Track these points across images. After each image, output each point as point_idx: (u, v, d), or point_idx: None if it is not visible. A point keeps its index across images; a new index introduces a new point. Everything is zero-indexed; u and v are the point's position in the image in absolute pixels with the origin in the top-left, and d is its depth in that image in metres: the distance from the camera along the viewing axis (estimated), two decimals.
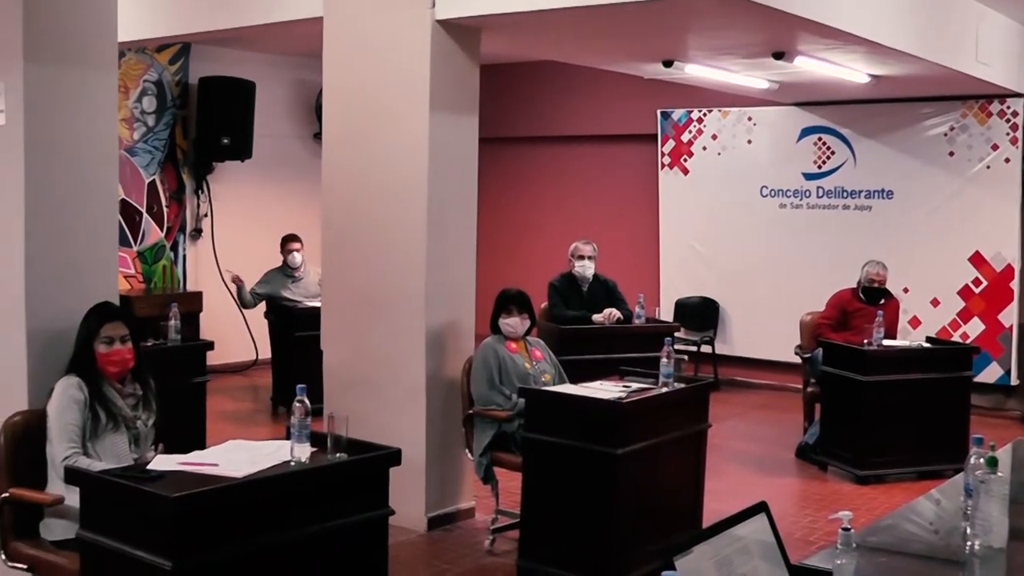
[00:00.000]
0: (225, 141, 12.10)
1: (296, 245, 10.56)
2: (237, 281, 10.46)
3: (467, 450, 6.72)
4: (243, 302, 10.61)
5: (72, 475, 4.24)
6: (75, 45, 5.15)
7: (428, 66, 6.85)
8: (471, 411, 6.63)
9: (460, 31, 7.00)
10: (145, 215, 11.96)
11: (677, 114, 12.74)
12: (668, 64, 9.30)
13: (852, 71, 9.44)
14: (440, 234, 6.97)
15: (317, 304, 9.16)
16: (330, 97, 7.44)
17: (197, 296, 11.81)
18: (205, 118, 12.15)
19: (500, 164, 13.28)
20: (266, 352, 11.45)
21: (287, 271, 10.59)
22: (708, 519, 6.29)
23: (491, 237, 11.46)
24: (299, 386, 4.27)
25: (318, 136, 12.76)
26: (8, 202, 5.06)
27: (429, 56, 6.84)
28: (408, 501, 6.17)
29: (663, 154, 12.87)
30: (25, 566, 4.70)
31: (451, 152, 7.05)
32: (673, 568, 2.48)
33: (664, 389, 6.10)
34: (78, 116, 5.19)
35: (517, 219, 14.09)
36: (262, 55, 12.73)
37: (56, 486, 4.63)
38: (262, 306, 10.70)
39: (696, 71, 9.66)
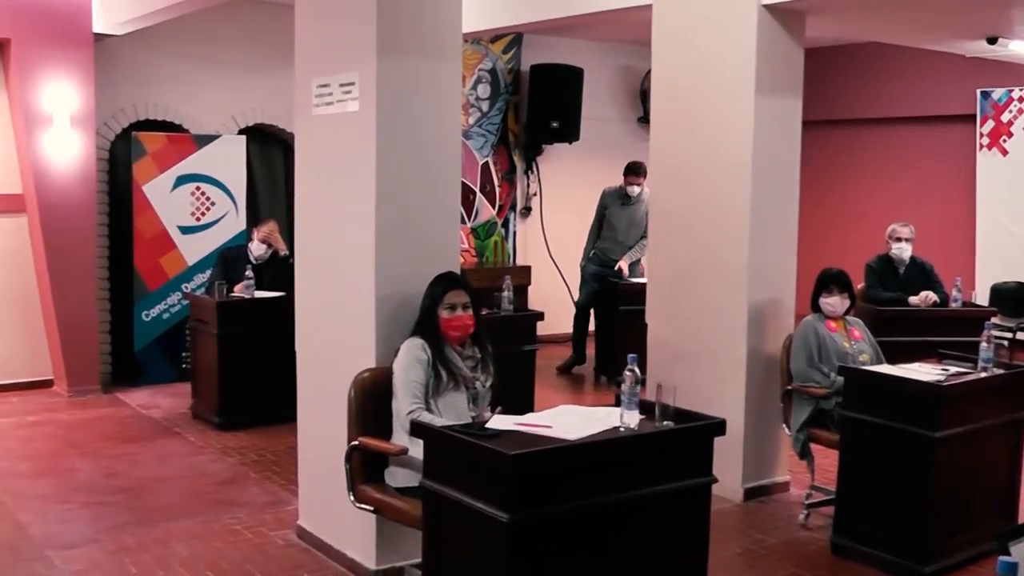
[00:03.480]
0: (554, 124, 12.60)
1: (639, 180, 10.76)
2: None
3: (784, 425, 6.82)
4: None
5: (417, 429, 4.47)
6: (424, 39, 5.44)
7: (754, 50, 6.94)
8: (790, 387, 6.72)
9: (785, 15, 7.06)
10: (479, 194, 12.59)
11: (997, 93, 12.35)
12: (992, 41, 9.08)
13: None
14: (763, 214, 7.06)
15: (640, 281, 9.47)
16: (658, 82, 7.64)
17: (526, 270, 12.46)
18: (536, 103, 12.69)
19: (818, 146, 13.15)
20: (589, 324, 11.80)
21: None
22: None
23: (810, 218, 11.43)
24: (630, 356, 4.34)
25: (642, 119, 13.10)
26: (362, 181, 5.43)
27: (755, 40, 6.93)
28: (726, 471, 6.29)
29: (982, 135, 12.51)
30: (371, 508, 5.09)
31: (775, 134, 7.13)
32: (1008, 553, 2.44)
33: (984, 374, 5.99)
34: (425, 105, 5.48)
35: (835, 200, 13.97)
36: (590, 43, 13.13)
37: (400, 438, 4.98)
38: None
39: (1022, 47, 9.38)
